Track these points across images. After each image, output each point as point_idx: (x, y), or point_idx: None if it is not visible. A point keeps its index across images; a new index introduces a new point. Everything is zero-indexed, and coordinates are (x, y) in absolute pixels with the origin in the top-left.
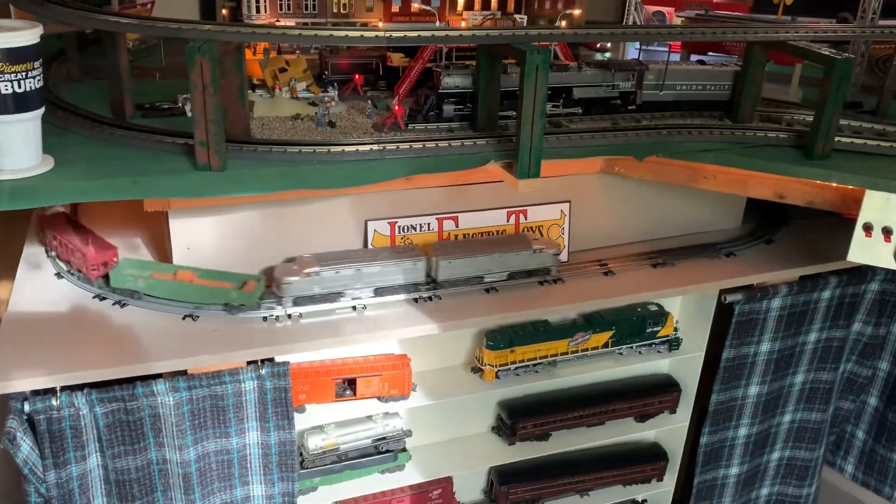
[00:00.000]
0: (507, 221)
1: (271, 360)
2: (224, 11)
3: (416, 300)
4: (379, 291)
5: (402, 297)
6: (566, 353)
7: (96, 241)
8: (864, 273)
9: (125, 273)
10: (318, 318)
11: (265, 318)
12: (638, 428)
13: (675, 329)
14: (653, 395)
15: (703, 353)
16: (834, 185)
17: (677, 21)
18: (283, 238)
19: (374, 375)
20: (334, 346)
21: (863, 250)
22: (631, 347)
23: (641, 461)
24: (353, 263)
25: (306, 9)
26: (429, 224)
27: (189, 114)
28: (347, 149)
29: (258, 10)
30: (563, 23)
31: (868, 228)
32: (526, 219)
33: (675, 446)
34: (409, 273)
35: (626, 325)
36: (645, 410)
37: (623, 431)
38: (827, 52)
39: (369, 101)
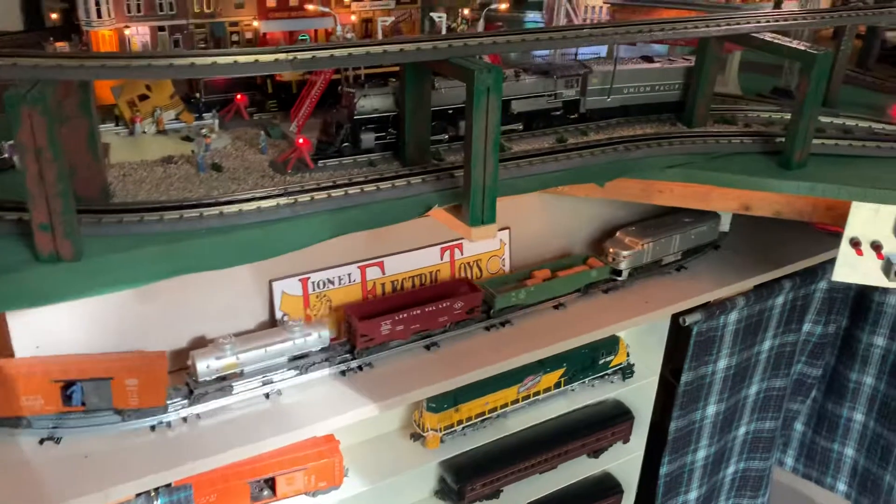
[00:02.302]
0: (441, 259)
1: (168, 485)
2: (54, 16)
3: (342, 373)
4: (296, 369)
5: (325, 371)
6: (516, 401)
7: None
8: (814, 273)
9: None
10: (219, 416)
11: (153, 428)
12: (592, 464)
13: (628, 355)
14: (605, 427)
15: (657, 376)
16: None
17: (594, 2)
18: (167, 313)
19: (297, 470)
20: (247, 454)
21: (850, 269)
22: (583, 382)
23: (595, 498)
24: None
25: (161, 9)
26: (349, 275)
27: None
28: (246, 207)
29: (99, 14)
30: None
31: (856, 244)
32: (462, 254)
33: (630, 478)
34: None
35: (578, 359)
36: (598, 445)
37: (577, 471)
38: (803, 47)
39: (262, 132)
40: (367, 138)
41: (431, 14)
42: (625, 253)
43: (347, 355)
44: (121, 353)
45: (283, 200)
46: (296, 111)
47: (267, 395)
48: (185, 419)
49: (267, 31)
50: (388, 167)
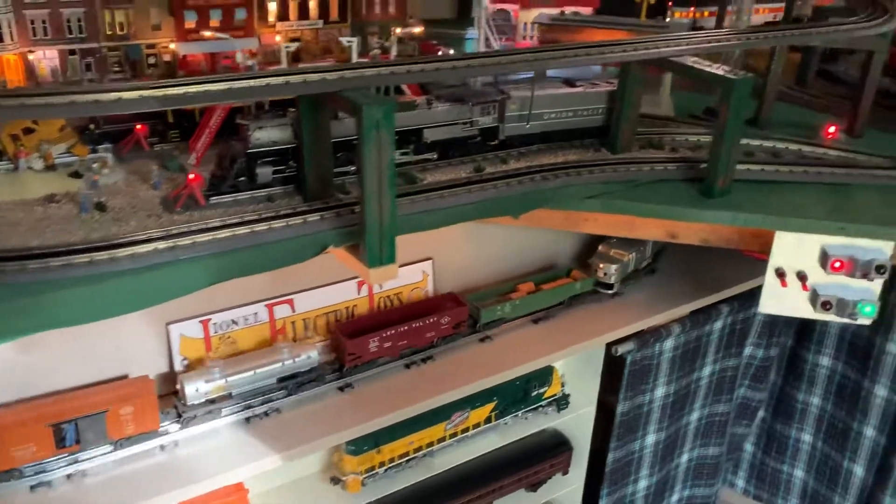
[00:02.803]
0: (359, 293)
1: None
2: None
3: (247, 420)
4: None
5: (229, 418)
6: (444, 439)
7: None
8: (753, 296)
9: None
10: (109, 472)
11: (33, 488)
12: (530, 499)
13: (562, 385)
14: (542, 459)
15: (595, 406)
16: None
17: (526, 18)
18: (48, 359)
19: None
20: None
21: (776, 300)
22: (516, 416)
23: None
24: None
25: (70, 31)
26: (256, 314)
27: None
28: (120, 253)
29: (0, 38)
30: (397, 34)
31: (781, 275)
32: (381, 287)
33: None
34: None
35: (510, 392)
36: (536, 478)
37: None
38: (721, 72)
39: (157, 166)
40: (264, 172)
41: (340, 38)
42: (614, 267)
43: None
44: (106, 383)
45: (161, 245)
46: (195, 142)
47: (161, 446)
48: (69, 476)
49: (186, 53)
50: (289, 202)
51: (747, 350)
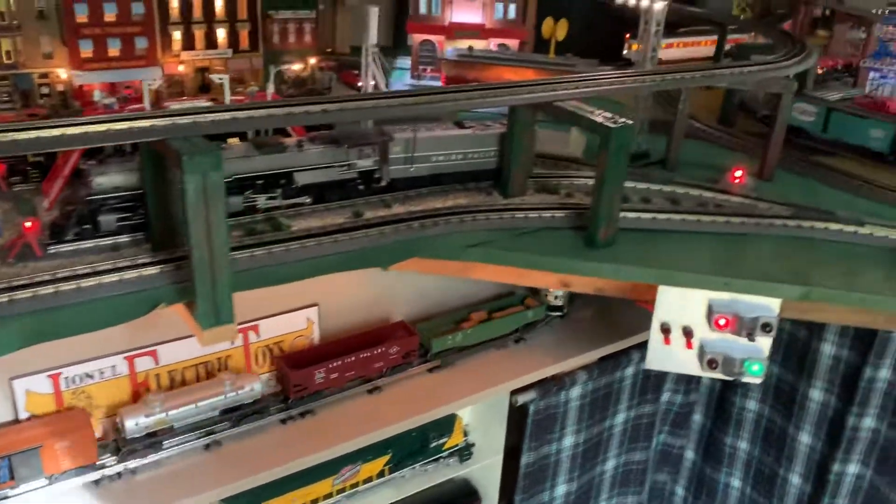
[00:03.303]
0: (232, 344)
1: None
2: None
3: (95, 482)
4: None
5: (68, 482)
6: (331, 496)
7: None
8: None
9: None
10: None
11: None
12: None
13: (466, 435)
14: None
15: (501, 456)
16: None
17: (448, 48)
18: None
19: None
20: None
21: (662, 356)
22: (414, 468)
23: None
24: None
25: None
26: (114, 367)
27: None
28: None
29: None
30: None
31: (666, 331)
32: (258, 336)
33: None
34: None
35: (405, 443)
36: None
37: None
38: (600, 119)
39: (6, 209)
40: (108, 220)
41: (211, 76)
42: (558, 293)
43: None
44: (42, 417)
45: None
46: (48, 185)
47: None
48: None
49: (83, 83)
50: (136, 252)
51: (665, 396)
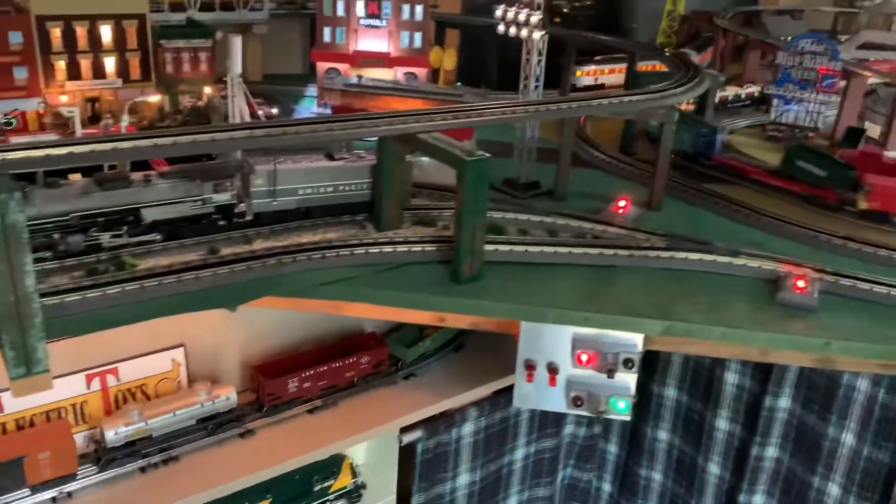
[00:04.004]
0: (88, 388)
1: None
2: None
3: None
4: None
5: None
6: None
7: None
8: None
9: None
10: None
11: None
12: None
13: (356, 476)
14: None
15: (394, 496)
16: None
17: (353, 75)
18: None
19: None
20: None
21: (528, 394)
22: None
23: None
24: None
25: None
26: None
27: None
28: None
29: None
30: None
31: (531, 368)
32: (118, 380)
33: None
34: None
35: (287, 486)
36: None
37: None
38: (458, 152)
39: None
40: None
41: (60, 108)
42: None
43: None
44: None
45: None
46: None
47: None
48: None
49: None
50: None
51: (567, 429)
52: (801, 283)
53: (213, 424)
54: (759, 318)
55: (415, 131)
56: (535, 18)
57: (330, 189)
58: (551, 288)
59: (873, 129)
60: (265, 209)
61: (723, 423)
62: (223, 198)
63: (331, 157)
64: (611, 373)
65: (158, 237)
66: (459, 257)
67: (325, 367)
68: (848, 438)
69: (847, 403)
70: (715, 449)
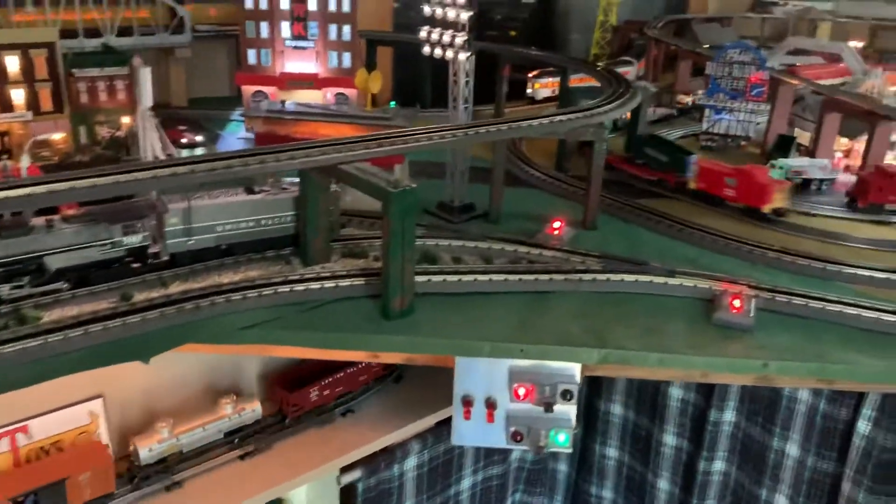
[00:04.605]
0: None
1: None
2: None
3: None
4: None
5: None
6: None
7: None
8: None
9: None
10: None
11: None
12: None
13: None
14: None
15: None
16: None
17: (280, 99)
18: None
19: None
20: None
21: (467, 431)
22: None
23: None
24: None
25: None
26: None
27: None
28: None
29: None
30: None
31: (468, 404)
32: (30, 437)
33: None
34: None
35: None
36: None
37: None
38: (382, 183)
39: None
40: None
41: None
42: None
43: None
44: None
45: None
46: None
47: None
48: None
49: None
50: None
51: (515, 454)
52: (736, 303)
53: (239, 436)
54: (696, 341)
55: (336, 162)
56: (459, 40)
57: (251, 224)
58: (486, 318)
59: (803, 136)
60: (181, 249)
61: (670, 439)
62: (134, 240)
63: (251, 190)
64: (549, 406)
65: (65, 286)
66: (389, 293)
67: (343, 374)
68: (792, 449)
69: (790, 415)
70: (663, 464)
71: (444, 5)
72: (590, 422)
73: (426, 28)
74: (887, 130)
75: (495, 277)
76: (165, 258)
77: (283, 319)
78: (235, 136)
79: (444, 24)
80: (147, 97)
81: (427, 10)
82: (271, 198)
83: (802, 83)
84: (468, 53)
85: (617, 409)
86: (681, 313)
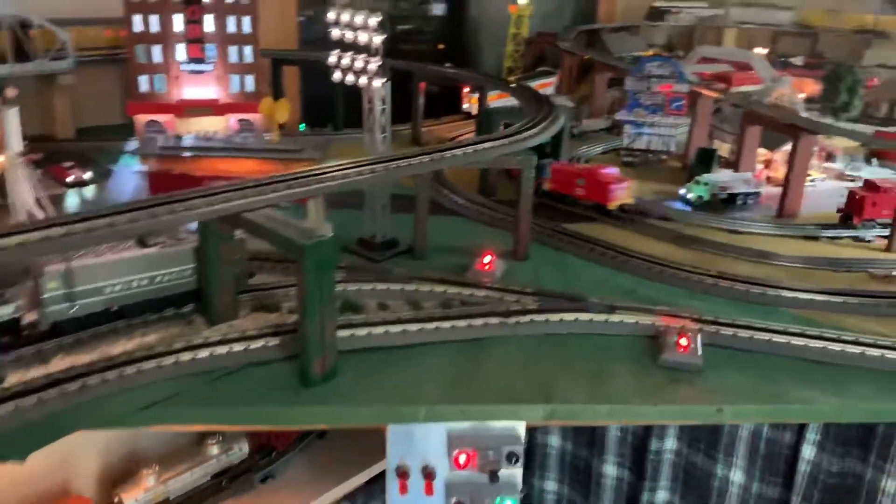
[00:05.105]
0: None
1: None
2: None
3: None
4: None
5: None
6: None
7: None
8: None
9: None
10: None
11: None
12: None
13: None
14: None
15: None
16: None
17: (185, 129)
18: None
19: None
20: None
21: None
22: None
23: None
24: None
25: None
26: None
27: None
28: None
29: None
30: None
31: (404, 476)
32: None
33: None
34: None
35: None
36: None
37: None
38: (293, 234)
39: None
40: None
41: None
42: None
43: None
44: None
45: None
46: None
47: None
48: None
49: None
50: None
51: None
52: (683, 342)
53: (227, 478)
54: (645, 387)
55: (240, 210)
56: (373, 65)
57: (145, 282)
58: (419, 376)
59: (722, 148)
60: (63, 317)
61: (610, 469)
62: (5, 311)
63: (144, 243)
64: (493, 474)
65: None
66: (308, 356)
67: None
68: (737, 476)
69: (732, 441)
70: (605, 497)
71: (354, 28)
72: (527, 455)
73: (335, 53)
74: (810, 143)
75: (426, 326)
76: (44, 328)
77: (187, 394)
78: (130, 170)
79: (355, 48)
80: (15, 141)
81: (335, 33)
82: (167, 251)
83: (720, 94)
84: (383, 79)
85: (554, 441)
86: (625, 354)
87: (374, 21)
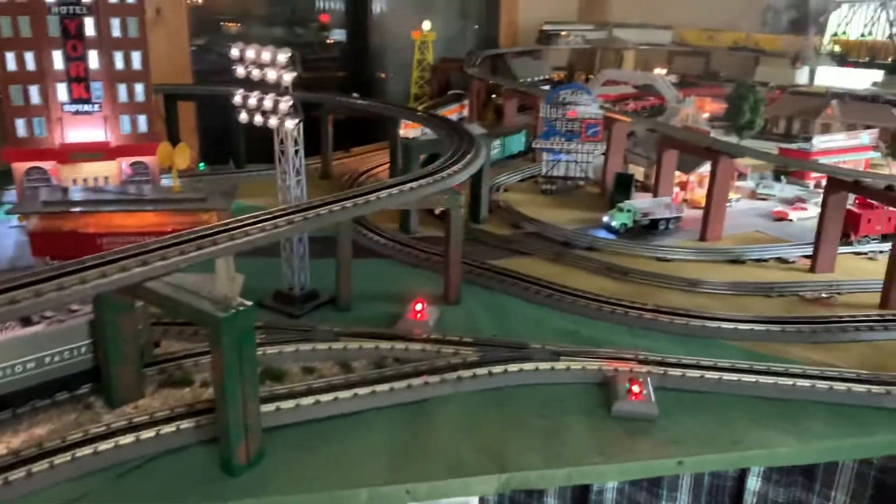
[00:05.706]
0: None
1: None
2: None
3: None
4: None
5: None
6: None
7: None
8: None
9: None
10: None
11: None
12: None
13: None
14: None
15: None
16: None
17: (74, 175)
18: None
19: None
20: None
21: None
22: None
23: None
24: None
25: None
26: None
27: None
28: None
29: None
30: None
31: None
32: None
33: None
34: None
35: None
36: None
37: None
38: (206, 305)
39: None
40: None
41: None
42: None
43: None
44: None
45: None
46: None
47: None
48: None
49: None
50: None
51: None
52: (635, 388)
53: None
54: (601, 443)
55: (142, 279)
56: (284, 105)
57: (31, 365)
58: (357, 452)
59: (637, 172)
60: None
61: None
62: None
63: (27, 321)
64: None
65: None
66: (229, 442)
67: None
68: None
69: (676, 477)
70: None
71: (261, 66)
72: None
73: (240, 92)
74: (728, 166)
75: (361, 391)
76: None
77: (94, 493)
78: (7, 225)
79: (263, 86)
80: None
81: (240, 71)
82: (58, 328)
83: (635, 119)
84: (297, 120)
85: None
86: (577, 405)
87: (283, 57)
